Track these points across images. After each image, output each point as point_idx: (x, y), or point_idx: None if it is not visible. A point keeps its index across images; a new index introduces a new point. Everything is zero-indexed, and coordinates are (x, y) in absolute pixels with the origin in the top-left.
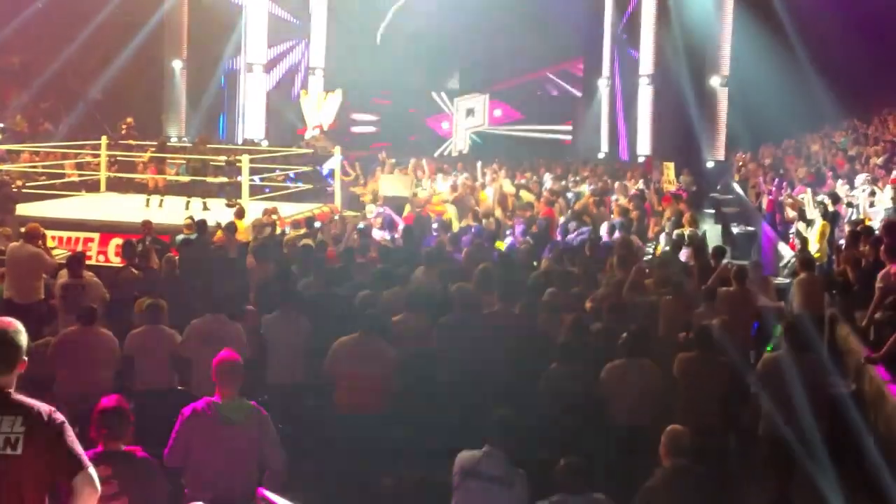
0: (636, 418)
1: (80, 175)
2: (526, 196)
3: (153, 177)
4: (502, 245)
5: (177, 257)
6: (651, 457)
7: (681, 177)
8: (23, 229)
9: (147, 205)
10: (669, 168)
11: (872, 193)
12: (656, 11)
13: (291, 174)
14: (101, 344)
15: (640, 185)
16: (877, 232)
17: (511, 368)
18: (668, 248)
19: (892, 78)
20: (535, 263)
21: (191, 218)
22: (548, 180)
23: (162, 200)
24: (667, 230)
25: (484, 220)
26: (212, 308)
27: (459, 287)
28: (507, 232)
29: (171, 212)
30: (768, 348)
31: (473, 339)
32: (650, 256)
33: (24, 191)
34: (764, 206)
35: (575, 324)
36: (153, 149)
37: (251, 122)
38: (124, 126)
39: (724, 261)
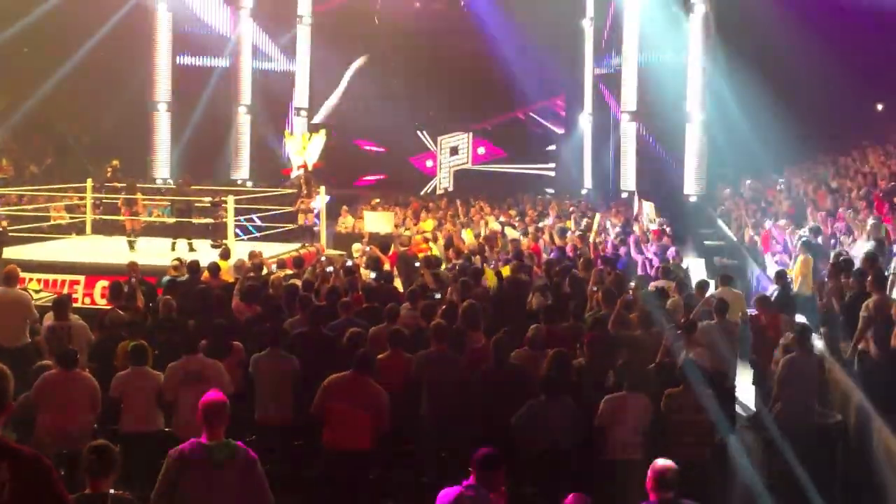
0: (629, 452)
1: (71, 217)
2: (511, 233)
3: (129, 218)
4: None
5: (172, 299)
6: (639, 491)
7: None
8: None
9: (131, 247)
10: (650, 208)
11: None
12: (636, 48)
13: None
14: (82, 387)
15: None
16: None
17: (494, 403)
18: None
19: (870, 111)
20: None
21: (178, 259)
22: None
23: (133, 242)
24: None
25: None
26: (188, 348)
27: (437, 324)
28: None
29: (155, 253)
30: None
31: (454, 373)
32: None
33: (10, 234)
34: (746, 239)
35: (556, 358)
36: (124, 191)
37: (237, 163)
38: (109, 169)
39: (707, 294)
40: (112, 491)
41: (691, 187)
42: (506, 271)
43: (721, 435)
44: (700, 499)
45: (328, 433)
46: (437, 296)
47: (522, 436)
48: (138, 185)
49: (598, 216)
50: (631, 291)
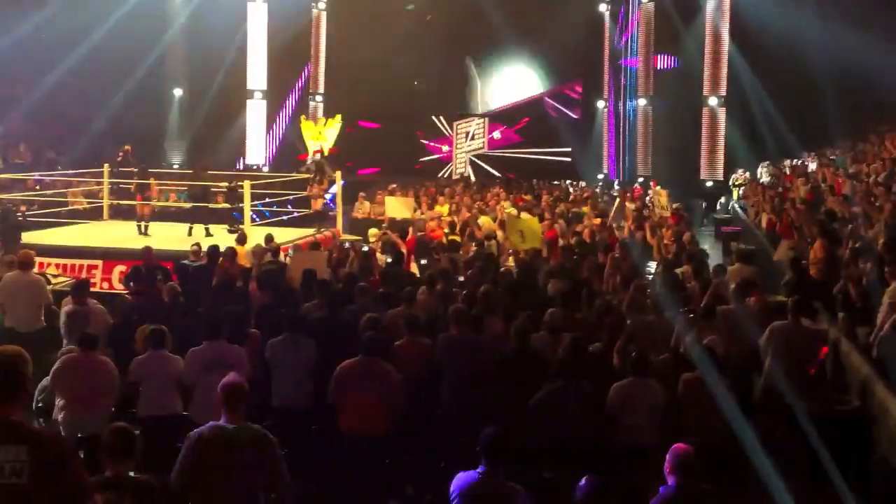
0: (642, 437)
1: (88, 203)
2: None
3: (140, 203)
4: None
5: (176, 286)
6: (654, 476)
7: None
8: (10, 257)
9: (140, 232)
10: (661, 195)
11: None
12: (653, 33)
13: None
14: (101, 370)
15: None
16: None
17: (511, 387)
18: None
19: (888, 97)
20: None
21: (197, 244)
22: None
23: (146, 227)
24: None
25: (485, 243)
26: (210, 334)
27: (457, 308)
28: None
29: (172, 238)
30: None
31: (473, 357)
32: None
33: (28, 219)
34: (763, 224)
35: (573, 343)
36: (136, 176)
37: (253, 149)
38: (121, 154)
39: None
40: (132, 474)
41: (708, 172)
42: None
43: (737, 420)
44: (717, 484)
45: (344, 419)
46: (461, 278)
47: (539, 420)
48: (151, 171)
49: (616, 201)
50: (646, 276)
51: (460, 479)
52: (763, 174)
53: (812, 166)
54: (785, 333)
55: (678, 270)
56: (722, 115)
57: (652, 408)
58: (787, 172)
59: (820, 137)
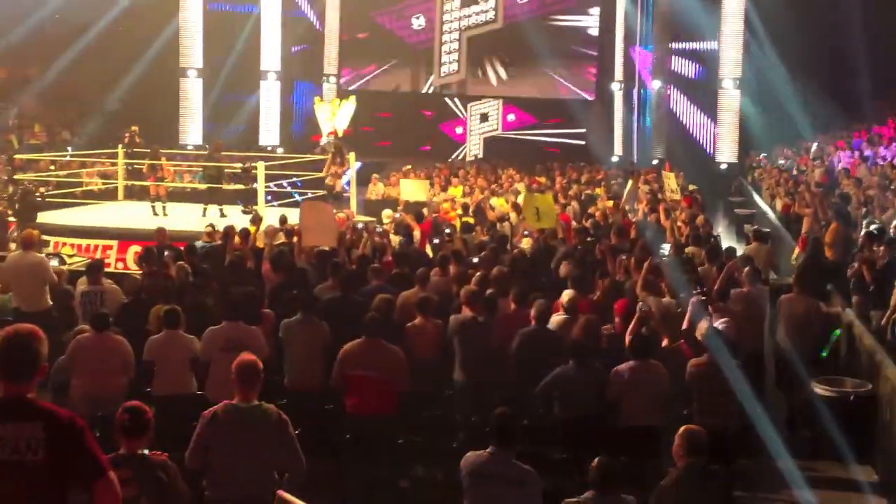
0: (646, 419)
1: (103, 183)
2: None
3: (153, 184)
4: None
5: (185, 265)
6: (662, 457)
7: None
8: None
9: (154, 213)
10: (670, 178)
11: None
12: (668, 15)
13: (298, 182)
14: (115, 350)
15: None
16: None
17: (526, 368)
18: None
19: None
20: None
21: (211, 225)
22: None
23: (164, 207)
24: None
25: (498, 224)
26: (229, 315)
27: (469, 289)
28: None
29: (185, 219)
30: (823, 353)
31: (484, 337)
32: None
33: (42, 199)
34: (779, 207)
35: (586, 324)
36: (149, 157)
37: (266, 129)
38: (127, 134)
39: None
40: (146, 452)
41: (723, 155)
42: None
43: (748, 404)
44: (727, 466)
45: (350, 400)
46: (476, 260)
47: (551, 401)
48: (163, 151)
49: (629, 183)
50: (659, 258)
51: (470, 459)
52: (779, 157)
53: (827, 149)
54: (789, 304)
55: (688, 250)
56: (736, 96)
57: (656, 390)
58: (803, 155)
59: (836, 120)
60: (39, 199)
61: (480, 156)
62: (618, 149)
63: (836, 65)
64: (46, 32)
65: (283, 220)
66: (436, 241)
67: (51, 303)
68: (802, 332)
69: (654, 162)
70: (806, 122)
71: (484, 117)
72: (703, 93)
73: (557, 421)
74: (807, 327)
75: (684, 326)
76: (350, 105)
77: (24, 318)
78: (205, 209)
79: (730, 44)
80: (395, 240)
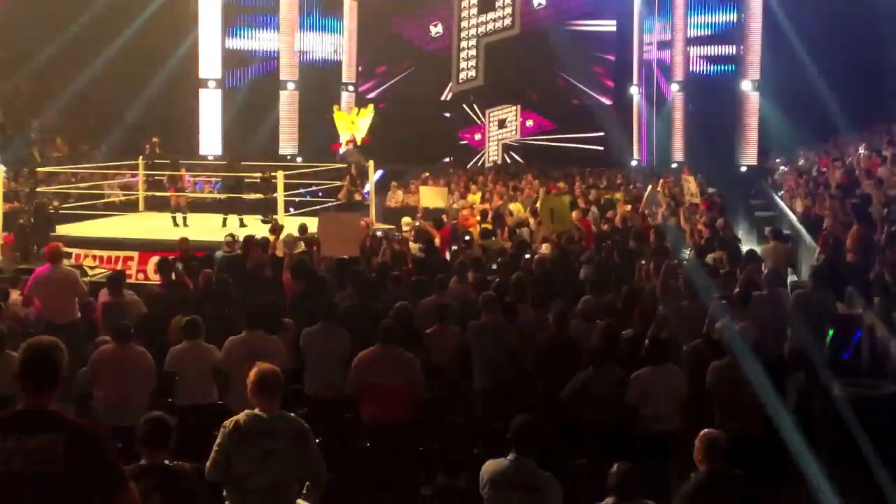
0: (666, 423)
1: (125, 195)
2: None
3: (174, 195)
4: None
5: (212, 273)
6: (682, 462)
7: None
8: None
9: (175, 223)
10: (690, 181)
11: None
12: (686, 16)
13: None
14: (137, 361)
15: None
16: None
17: (546, 374)
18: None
19: None
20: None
21: (231, 235)
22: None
23: (182, 218)
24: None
25: (517, 230)
26: (250, 324)
27: (487, 294)
28: None
29: (207, 229)
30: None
31: (503, 343)
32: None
33: (64, 211)
34: (799, 209)
35: (606, 329)
36: (169, 168)
37: (284, 138)
38: (148, 146)
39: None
40: (167, 462)
41: (742, 157)
42: None
43: (770, 406)
44: (749, 470)
45: (367, 408)
46: (494, 266)
47: (571, 407)
48: (183, 161)
49: (648, 187)
50: (678, 261)
51: (490, 466)
52: (799, 159)
53: (848, 150)
54: (804, 298)
55: (710, 256)
56: (756, 98)
57: (673, 395)
58: (824, 156)
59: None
60: (53, 212)
61: (499, 162)
62: (637, 153)
63: (857, 65)
64: (68, 47)
65: (304, 228)
66: (454, 247)
67: (79, 315)
68: (815, 326)
69: (674, 165)
70: (823, 123)
71: (502, 123)
72: (723, 95)
73: (577, 427)
74: (817, 318)
75: (704, 330)
76: (369, 114)
77: (54, 331)
78: (224, 219)
79: (749, 45)
80: (415, 247)
